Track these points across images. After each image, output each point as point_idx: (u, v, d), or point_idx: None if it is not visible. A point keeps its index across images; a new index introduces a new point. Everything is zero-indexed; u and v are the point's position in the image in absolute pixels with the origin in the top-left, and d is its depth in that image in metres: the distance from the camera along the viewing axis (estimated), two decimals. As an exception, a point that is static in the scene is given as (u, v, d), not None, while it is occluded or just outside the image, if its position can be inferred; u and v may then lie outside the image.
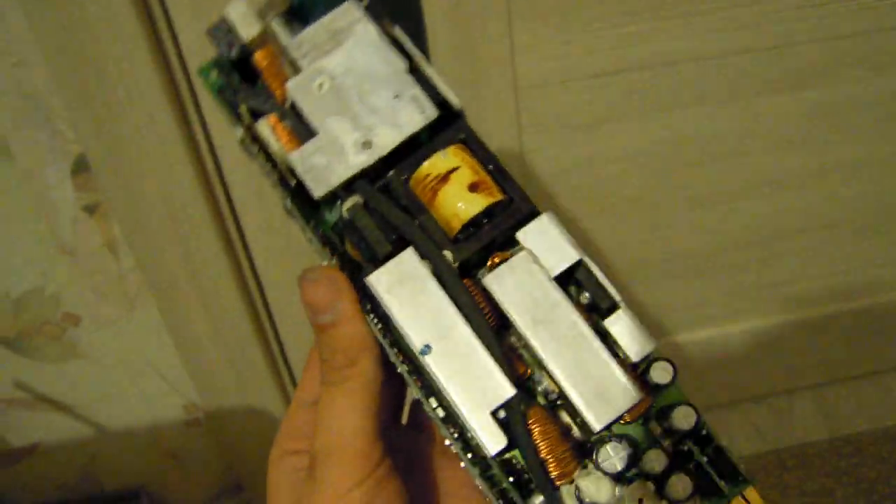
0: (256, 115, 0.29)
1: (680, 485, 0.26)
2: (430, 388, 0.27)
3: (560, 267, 0.27)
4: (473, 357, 0.26)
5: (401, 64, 0.28)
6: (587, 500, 0.25)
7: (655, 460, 0.26)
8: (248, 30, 0.29)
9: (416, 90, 0.28)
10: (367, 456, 0.29)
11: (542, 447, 0.26)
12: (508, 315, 0.26)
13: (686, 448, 0.28)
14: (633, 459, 0.26)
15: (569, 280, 0.28)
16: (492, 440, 0.26)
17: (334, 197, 0.28)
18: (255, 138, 0.29)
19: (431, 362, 0.26)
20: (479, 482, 0.27)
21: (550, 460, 0.26)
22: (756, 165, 0.82)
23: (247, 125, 0.29)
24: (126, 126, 0.67)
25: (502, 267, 0.27)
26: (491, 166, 0.28)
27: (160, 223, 0.73)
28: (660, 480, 0.27)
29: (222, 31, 0.29)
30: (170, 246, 0.75)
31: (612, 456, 0.26)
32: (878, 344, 0.99)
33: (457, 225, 0.27)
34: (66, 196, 0.73)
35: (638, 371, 0.28)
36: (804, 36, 0.74)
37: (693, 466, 0.27)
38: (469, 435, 0.26)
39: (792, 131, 0.81)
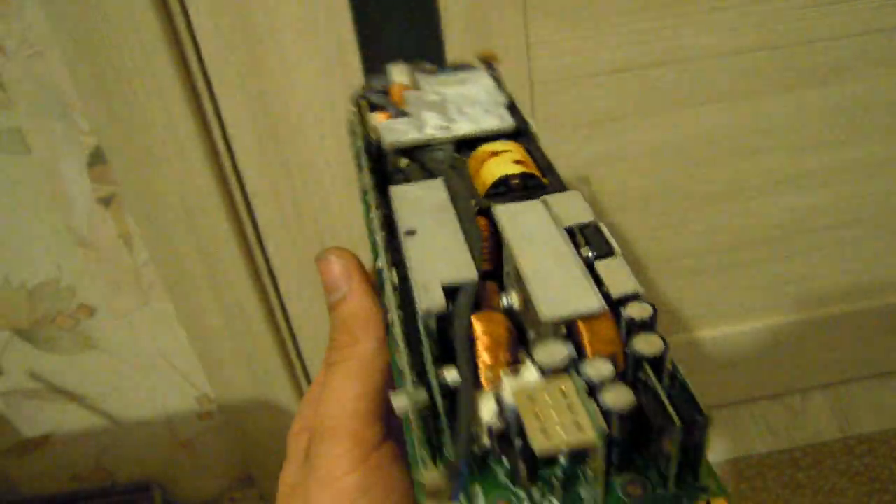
0: (374, 108, 0.37)
1: (619, 394, 0.23)
2: (403, 267, 0.28)
3: (572, 221, 0.28)
4: (452, 247, 0.28)
5: (501, 98, 0.36)
6: (505, 391, 0.23)
7: (600, 368, 0.23)
8: (398, 77, 0.40)
9: (504, 111, 0.35)
10: (362, 439, 0.28)
11: (498, 338, 0.25)
12: (503, 234, 0.28)
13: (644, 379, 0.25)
14: (574, 363, 0.24)
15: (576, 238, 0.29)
16: (429, 299, 0.26)
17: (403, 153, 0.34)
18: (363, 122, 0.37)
19: (410, 242, 0.28)
20: (397, 335, 0.26)
21: (497, 354, 0.25)
22: (771, 163, 0.82)
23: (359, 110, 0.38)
24: (142, 118, 0.68)
25: (516, 204, 0.29)
26: (543, 165, 0.32)
27: (175, 216, 0.73)
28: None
29: (377, 80, 0.40)
30: (184, 239, 0.75)
31: (551, 352, 0.24)
32: (892, 343, 0.99)
33: (489, 181, 0.31)
34: (82, 188, 0.73)
35: (616, 309, 0.26)
36: (822, 33, 0.74)
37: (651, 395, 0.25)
38: (413, 296, 0.26)
39: (808, 129, 0.80)
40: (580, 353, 0.25)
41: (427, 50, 0.72)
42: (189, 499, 1.01)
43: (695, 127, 0.78)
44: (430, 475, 0.24)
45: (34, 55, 0.66)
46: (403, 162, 0.34)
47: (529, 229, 0.28)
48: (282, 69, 0.69)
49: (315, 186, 0.76)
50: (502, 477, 0.24)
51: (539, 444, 0.22)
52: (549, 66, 0.73)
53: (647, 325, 0.25)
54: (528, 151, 0.33)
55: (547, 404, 0.22)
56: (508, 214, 0.29)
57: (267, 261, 0.80)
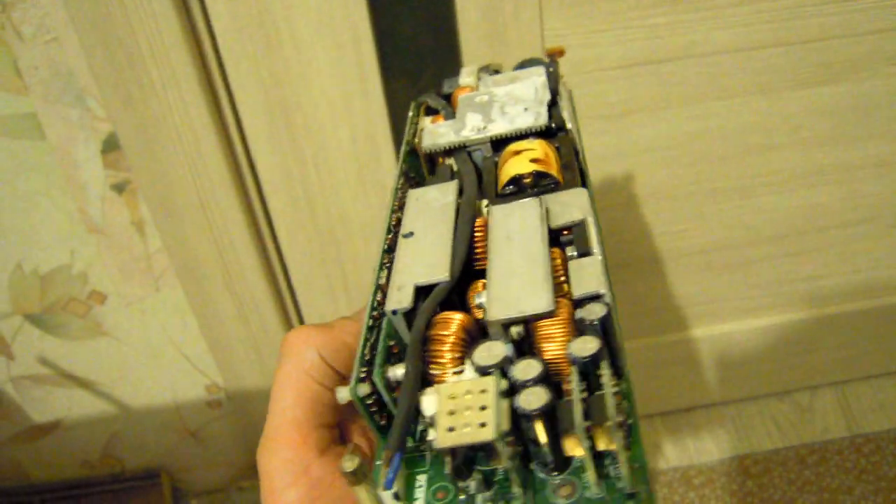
0: (430, 112, 0.40)
1: (534, 395, 0.23)
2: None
3: (563, 220, 0.29)
4: (438, 249, 0.29)
5: (547, 96, 0.36)
6: (438, 389, 0.24)
7: (525, 369, 0.24)
8: (465, 79, 0.41)
9: (542, 109, 0.35)
10: (301, 447, 0.28)
11: (443, 337, 0.26)
12: (489, 234, 0.29)
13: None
14: (507, 362, 0.25)
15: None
16: (397, 299, 0.27)
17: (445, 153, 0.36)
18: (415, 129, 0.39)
19: (405, 243, 0.30)
20: (362, 332, 0.27)
21: (442, 353, 0.26)
22: (783, 160, 0.82)
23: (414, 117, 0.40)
24: (157, 106, 0.68)
25: (512, 204, 0.30)
26: (567, 162, 0.33)
27: (188, 204, 0.74)
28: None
29: (449, 84, 0.41)
30: (196, 227, 0.75)
31: (487, 352, 0.25)
32: (901, 343, 0.99)
33: (504, 179, 0.32)
34: (96, 174, 0.73)
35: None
36: (835, 31, 0.74)
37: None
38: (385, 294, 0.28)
39: (820, 126, 0.80)
40: (533, 353, 0.25)
41: (442, 42, 0.72)
42: (197, 487, 1.02)
43: (707, 122, 0.78)
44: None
45: (51, 41, 0.66)
46: (447, 162, 0.36)
47: (514, 229, 0.29)
48: (297, 59, 0.69)
49: (327, 176, 0.76)
50: (447, 470, 0.25)
51: (440, 440, 0.23)
52: (563, 60, 0.72)
53: (597, 327, 0.25)
54: (557, 149, 0.34)
55: (466, 403, 0.23)
56: (501, 214, 0.30)
57: (278, 250, 0.81)
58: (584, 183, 0.33)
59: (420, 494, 0.25)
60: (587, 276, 0.27)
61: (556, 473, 0.24)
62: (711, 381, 0.98)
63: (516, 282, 0.26)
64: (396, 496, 0.25)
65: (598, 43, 0.72)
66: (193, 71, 0.67)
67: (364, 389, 0.26)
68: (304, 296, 0.84)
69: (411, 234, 0.31)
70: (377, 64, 0.70)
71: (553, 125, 0.35)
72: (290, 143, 0.74)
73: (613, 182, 0.81)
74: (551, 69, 0.39)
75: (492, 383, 0.24)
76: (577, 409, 0.23)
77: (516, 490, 0.24)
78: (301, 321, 0.86)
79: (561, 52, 0.41)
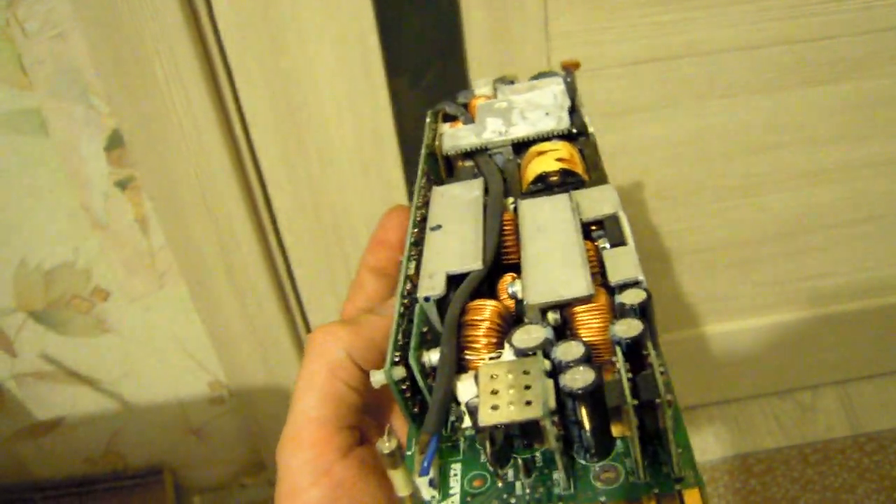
0: (448, 119, 0.40)
1: (580, 375, 0.23)
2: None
3: (594, 213, 0.29)
4: (469, 240, 0.29)
5: (567, 103, 0.37)
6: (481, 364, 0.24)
7: (568, 350, 0.24)
8: (481, 89, 0.41)
9: (564, 114, 0.36)
10: (325, 447, 0.27)
11: (478, 322, 0.26)
12: (520, 226, 0.30)
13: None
14: (548, 345, 0.24)
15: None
16: (430, 286, 0.28)
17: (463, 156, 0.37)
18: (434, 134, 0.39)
19: (433, 236, 0.30)
20: (394, 318, 0.27)
21: (477, 338, 0.26)
22: (787, 158, 0.82)
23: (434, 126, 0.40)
24: (161, 102, 0.68)
25: (543, 199, 0.31)
26: (591, 162, 0.33)
27: (192, 200, 0.74)
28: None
29: (464, 95, 0.41)
30: (200, 223, 0.75)
31: (526, 335, 0.25)
32: (904, 342, 0.99)
33: (530, 178, 0.33)
34: (100, 170, 0.74)
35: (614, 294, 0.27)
36: (840, 29, 0.74)
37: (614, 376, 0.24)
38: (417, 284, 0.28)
39: (824, 125, 0.80)
40: (572, 338, 0.25)
41: (447, 40, 0.72)
42: (200, 483, 1.02)
43: (710, 120, 0.78)
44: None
45: (55, 37, 0.66)
46: (467, 165, 0.36)
47: (546, 221, 0.29)
48: (301, 55, 0.69)
49: (331, 173, 0.76)
50: (484, 458, 0.25)
51: (485, 417, 0.22)
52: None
53: (637, 311, 0.25)
54: (581, 151, 0.34)
55: (508, 383, 0.23)
56: (532, 208, 0.30)
57: (282, 246, 0.81)
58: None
59: (454, 483, 0.25)
60: (623, 264, 0.27)
61: (596, 460, 0.24)
62: (714, 380, 0.98)
63: (553, 268, 0.27)
64: (432, 483, 0.25)
65: (603, 40, 0.72)
66: (198, 67, 0.67)
67: (399, 373, 0.26)
68: (307, 292, 0.84)
69: (439, 226, 0.31)
70: (382, 60, 0.70)
71: (574, 130, 0.35)
72: (294, 139, 0.74)
73: (616, 180, 0.81)
74: (568, 80, 0.39)
75: (536, 363, 0.24)
76: (626, 385, 0.22)
77: (559, 475, 0.24)
78: (304, 318, 0.86)
79: (576, 66, 0.42)
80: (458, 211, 0.32)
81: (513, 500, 0.24)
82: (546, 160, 0.33)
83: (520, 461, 0.24)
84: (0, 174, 0.73)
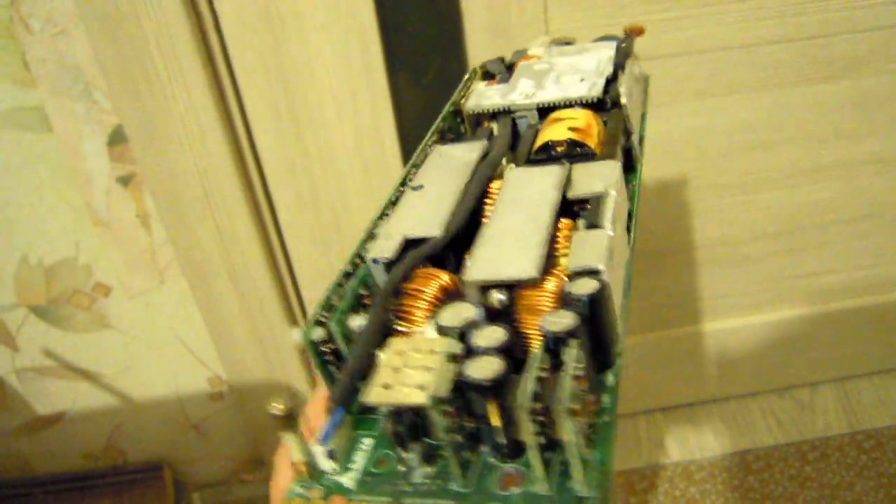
0: (487, 76, 0.38)
1: (483, 364, 0.21)
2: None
3: (583, 191, 0.27)
4: (443, 205, 0.27)
5: (608, 70, 0.35)
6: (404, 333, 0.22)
7: (485, 335, 0.22)
8: (535, 50, 0.40)
9: (599, 81, 0.34)
10: None
11: (419, 293, 0.25)
12: (500, 193, 0.28)
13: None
14: (471, 326, 0.22)
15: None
16: (380, 247, 0.26)
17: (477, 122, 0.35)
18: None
19: (410, 195, 0.29)
20: (336, 276, 0.26)
21: (413, 309, 0.24)
22: (786, 156, 0.82)
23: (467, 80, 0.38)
24: (163, 99, 0.68)
25: (533, 169, 0.29)
26: (612, 135, 0.31)
27: (193, 197, 0.74)
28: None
29: (498, 62, 0.40)
30: (201, 220, 0.75)
31: (452, 314, 0.23)
32: (902, 340, 0.99)
33: (538, 143, 0.31)
34: (102, 167, 0.74)
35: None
36: (839, 27, 0.74)
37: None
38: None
39: (823, 123, 0.80)
40: (511, 320, 0.23)
41: (447, 36, 0.72)
42: (199, 479, 1.02)
43: (709, 118, 0.79)
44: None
45: (58, 34, 0.66)
46: (490, 126, 0.35)
47: (525, 193, 0.27)
48: (303, 53, 0.69)
49: (332, 170, 0.76)
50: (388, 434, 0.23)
51: (371, 395, 0.21)
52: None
53: (584, 304, 0.22)
54: (605, 122, 0.32)
55: (412, 362, 0.21)
56: (518, 177, 0.28)
57: (282, 243, 0.81)
58: (629, 164, 0.32)
59: (360, 459, 0.24)
60: (588, 249, 0.24)
61: (508, 460, 0.22)
62: (713, 377, 0.99)
63: (507, 244, 0.25)
64: (332, 454, 0.23)
65: (603, 38, 0.72)
66: (200, 65, 0.67)
67: (318, 333, 0.24)
68: (307, 289, 0.85)
69: (421, 186, 0.29)
70: (382, 57, 0.70)
71: (607, 99, 0.33)
72: (295, 136, 0.74)
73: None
74: (623, 45, 0.37)
75: (443, 344, 0.22)
76: (527, 386, 0.20)
77: (455, 470, 0.22)
78: (305, 315, 0.87)
79: (640, 31, 0.40)
80: (446, 172, 0.30)
81: (407, 488, 0.22)
82: (558, 128, 0.31)
83: (422, 448, 0.22)
84: (2, 170, 0.73)
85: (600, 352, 0.23)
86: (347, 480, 0.23)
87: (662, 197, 0.83)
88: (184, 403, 0.94)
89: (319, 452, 0.23)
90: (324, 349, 0.24)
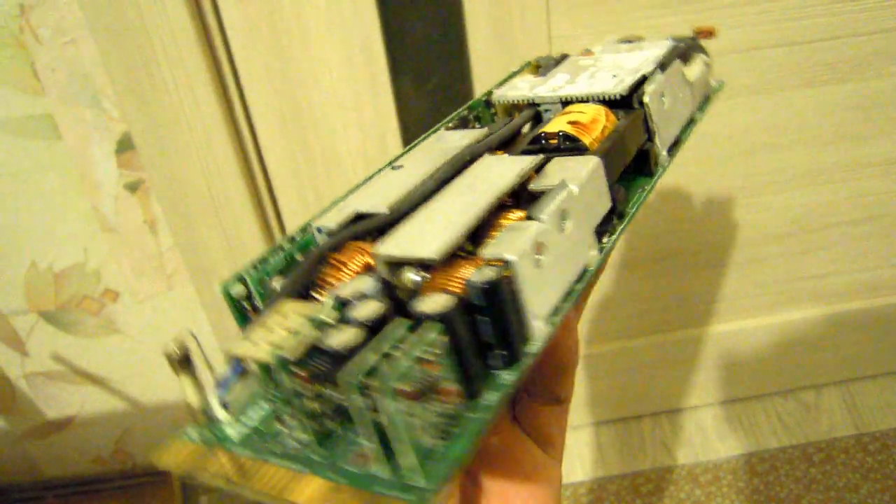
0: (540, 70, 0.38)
1: (368, 308, 0.21)
2: None
3: (543, 184, 0.27)
4: (406, 185, 0.27)
5: (648, 69, 0.34)
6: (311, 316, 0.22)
7: (366, 308, 0.22)
8: (597, 46, 0.38)
9: (629, 78, 0.32)
10: None
11: (342, 265, 0.25)
12: (461, 177, 0.28)
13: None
14: (357, 297, 0.22)
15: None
16: (329, 218, 0.26)
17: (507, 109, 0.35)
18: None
19: (384, 173, 0.29)
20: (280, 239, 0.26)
21: (331, 279, 0.24)
22: (788, 159, 0.82)
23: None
24: (170, 107, 0.69)
25: (505, 157, 0.29)
26: (619, 132, 0.30)
27: (200, 203, 0.75)
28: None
29: (549, 57, 0.39)
30: (208, 225, 0.76)
31: (350, 286, 0.23)
32: (907, 342, 0.99)
33: (531, 134, 0.31)
34: (110, 174, 0.75)
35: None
36: (841, 30, 0.74)
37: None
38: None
39: (826, 125, 0.80)
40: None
41: (450, 43, 0.73)
42: (207, 483, 1.03)
43: (713, 122, 0.79)
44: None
45: (67, 44, 0.67)
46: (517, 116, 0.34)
47: (483, 180, 0.27)
48: (307, 59, 0.70)
49: (337, 175, 0.77)
50: (306, 400, 0.22)
51: (233, 346, 0.21)
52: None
53: (479, 294, 0.22)
54: (620, 118, 0.32)
55: (289, 326, 0.21)
56: (485, 164, 0.28)
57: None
58: (646, 169, 0.32)
59: (256, 415, 0.24)
60: (510, 239, 0.23)
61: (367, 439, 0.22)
62: (718, 380, 0.99)
63: (431, 226, 0.24)
64: (225, 404, 0.23)
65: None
66: (206, 72, 0.68)
67: (237, 289, 0.24)
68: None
69: (400, 166, 0.29)
70: (386, 63, 0.71)
71: (634, 98, 0.32)
72: (300, 142, 0.74)
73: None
74: (682, 44, 0.36)
75: (312, 310, 0.22)
76: (364, 359, 0.20)
77: (303, 436, 0.22)
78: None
79: (710, 33, 0.38)
80: (431, 155, 0.30)
81: (276, 448, 0.23)
82: (559, 121, 0.30)
83: (301, 414, 0.22)
84: (12, 177, 0.74)
85: (503, 345, 0.22)
86: (233, 432, 0.24)
87: (666, 200, 0.84)
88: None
89: (214, 400, 0.23)
90: (245, 305, 0.25)
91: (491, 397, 0.22)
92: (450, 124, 0.34)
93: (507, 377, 0.22)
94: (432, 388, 0.20)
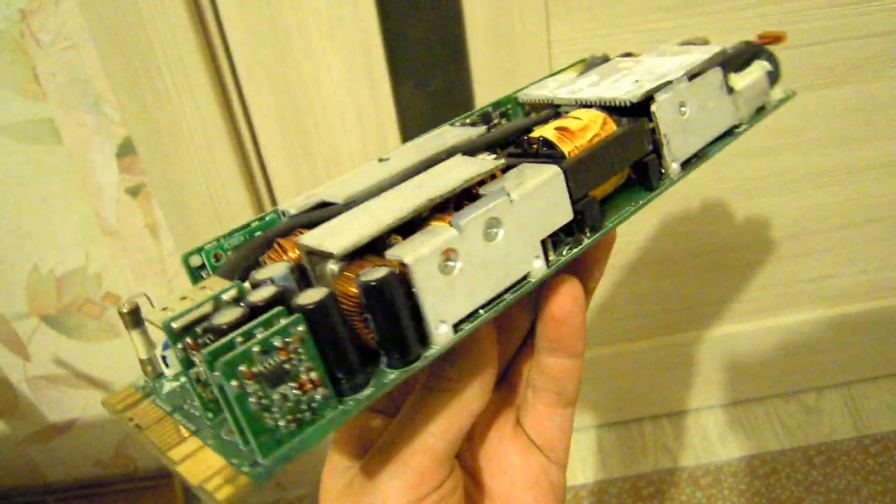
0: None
1: (224, 313, 0.22)
2: None
3: (490, 189, 0.27)
4: (379, 178, 0.28)
5: (675, 75, 0.32)
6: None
7: (259, 294, 0.23)
8: (657, 48, 0.38)
9: (650, 85, 0.31)
10: (427, 478, 0.27)
11: (282, 251, 0.26)
12: (419, 175, 0.28)
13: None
14: (267, 282, 0.23)
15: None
16: (293, 204, 0.28)
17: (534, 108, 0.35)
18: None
19: (373, 164, 0.30)
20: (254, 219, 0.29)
21: (273, 257, 0.26)
22: (788, 162, 0.82)
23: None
24: (171, 111, 0.69)
25: (473, 158, 0.29)
26: (597, 146, 0.29)
27: (201, 207, 0.75)
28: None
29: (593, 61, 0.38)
30: (209, 230, 0.76)
31: (266, 269, 0.24)
32: (908, 344, 0.99)
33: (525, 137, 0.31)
34: (111, 178, 0.75)
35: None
36: (840, 33, 0.75)
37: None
38: None
39: (825, 128, 0.81)
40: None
41: (450, 46, 0.73)
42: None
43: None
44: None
45: (68, 48, 0.67)
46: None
47: (435, 180, 0.27)
48: (308, 64, 0.70)
49: (338, 179, 0.77)
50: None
51: (148, 310, 0.23)
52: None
53: (364, 290, 0.22)
54: (616, 125, 0.31)
55: (196, 296, 0.23)
56: (449, 164, 0.28)
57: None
58: (647, 182, 0.31)
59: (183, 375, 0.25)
60: (419, 241, 0.24)
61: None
62: (719, 382, 0.99)
63: (357, 221, 0.25)
64: (165, 360, 0.25)
65: (604, 47, 0.73)
66: (207, 77, 0.68)
67: (194, 259, 0.27)
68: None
69: (387, 159, 0.30)
70: (387, 68, 0.71)
71: (646, 105, 0.31)
72: (301, 147, 0.75)
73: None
74: (733, 49, 0.34)
75: (216, 285, 0.23)
76: (222, 338, 0.21)
77: (196, 401, 0.24)
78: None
79: (777, 38, 0.36)
80: (422, 151, 0.30)
81: (184, 407, 0.24)
82: (547, 126, 0.30)
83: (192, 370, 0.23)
84: (14, 182, 0.75)
85: (390, 345, 0.23)
86: (166, 386, 0.26)
87: (666, 203, 0.84)
88: (193, 411, 0.95)
89: (158, 356, 0.26)
90: (203, 275, 0.27)
91: (363, 394, 0.23)
92: (471, 119, 0.34)
93: (392, 377, 0.23)
94: (286, 375, 0.21)
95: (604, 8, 0.71)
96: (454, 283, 0.24)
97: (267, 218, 0.28)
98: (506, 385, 0.34)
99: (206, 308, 0.22)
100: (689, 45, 0.37)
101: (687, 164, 0.33)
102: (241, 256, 0.26)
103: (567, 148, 0.29)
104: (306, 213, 0.27)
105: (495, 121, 0.35)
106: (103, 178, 0.75)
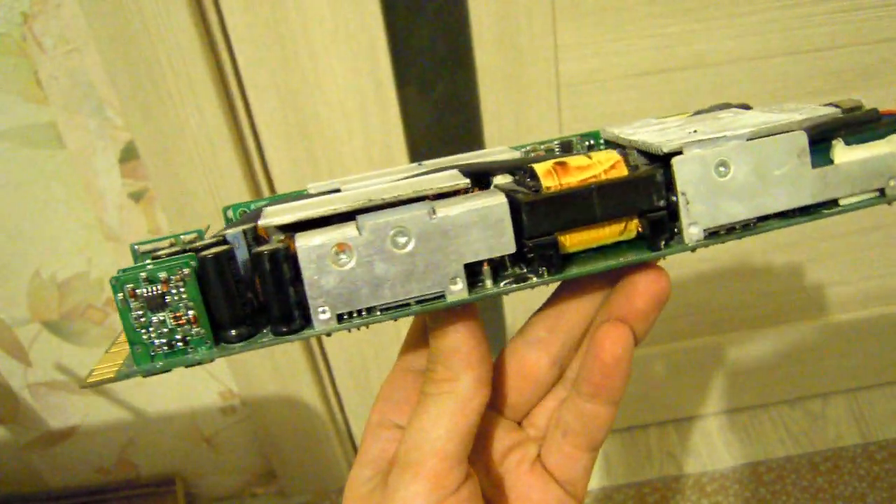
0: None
1: (207, 242, 0.27)
2: None
3: (412, 206, 0.28)
4: (395, 176, 0.31)
5: (742, 132, 0.28)
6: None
7: (207, 243, 0.28)
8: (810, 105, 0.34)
9: (693, 137, 0.28)
10: (443, 480, 0.27)
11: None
12: (402, 182, 0.30)
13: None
14: (222, 241, 0.27)
15: None
16: (316, 187, 0.32)
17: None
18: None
19: (414, 166, 0.32)
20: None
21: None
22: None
23: None
24: (174, 116, 0.69)
25: (453, 171, 0.29)
26: (588, 188, 0.28)
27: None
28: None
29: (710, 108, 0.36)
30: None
31: (228, 230, 0.27)
32: (913, 350, 0.99)
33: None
34: (114, 183, 0.74)
35: None
36: (846, 39, 0.74)
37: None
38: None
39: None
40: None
41: (456, 52, 0.73)
42: (211, 493, 1.02)
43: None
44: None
45: (71, 52, 0.67)
46: None
47: (405, 186, 0.28)
48: (312, 69, 0.70)
49: (342, 185, 0.77)
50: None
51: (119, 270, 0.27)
52: (576, 69, 0.73)
53: (252, 256, 0.27)
54: (627, 169, 0.29)
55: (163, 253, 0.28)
56: (440, 175, 0.29)
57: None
58: (652, 242, 0.28)
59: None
60: (326, 230, 0.26)
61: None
62: (724, 389, 0.98)
63: (318, 205, 0.27)
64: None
65: (610, 52, 0.73)
66: (210, 81, 0.68)
67: (230, 213, 0.32)
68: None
69: (420, 165, 0.33)
70: (392, 73, 0.71)
71: (665, 153, 0.28)
72: (305, 152, 0.74)
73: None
74: (820, 116, 0.29)
75: (190, 239, 0.29)
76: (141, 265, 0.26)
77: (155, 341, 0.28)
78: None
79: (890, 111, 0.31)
80: (453, 162, 0.32)
81: (157, 355, 0.27)
82: (548, 161, 0.29)
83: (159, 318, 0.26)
84: (16, 187, 0.74)
85: (268, 309, 0.26)
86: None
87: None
88: (196, 417, 0.94)
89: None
90: None
91: (236, 346, 0.26)
92: (532, 146, 0.34)
93: (265, 340, 0.26)
94: (165, 305, 0.25)
95: (610, 14, 0.71)
96: (345, 276, 0.26)
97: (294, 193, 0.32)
98: (528, 422, 0.34)
99: (166, 244, 0.29)
100: (831, 105, 0.31)
101: (716, 234, 0.30)
102: (246, 218, 0.29)
103: (550, 183, 0.28)
104: (303, 194, 0.31)
105: (538, 151, 0.35)
106: (106, 182, 0.74)
